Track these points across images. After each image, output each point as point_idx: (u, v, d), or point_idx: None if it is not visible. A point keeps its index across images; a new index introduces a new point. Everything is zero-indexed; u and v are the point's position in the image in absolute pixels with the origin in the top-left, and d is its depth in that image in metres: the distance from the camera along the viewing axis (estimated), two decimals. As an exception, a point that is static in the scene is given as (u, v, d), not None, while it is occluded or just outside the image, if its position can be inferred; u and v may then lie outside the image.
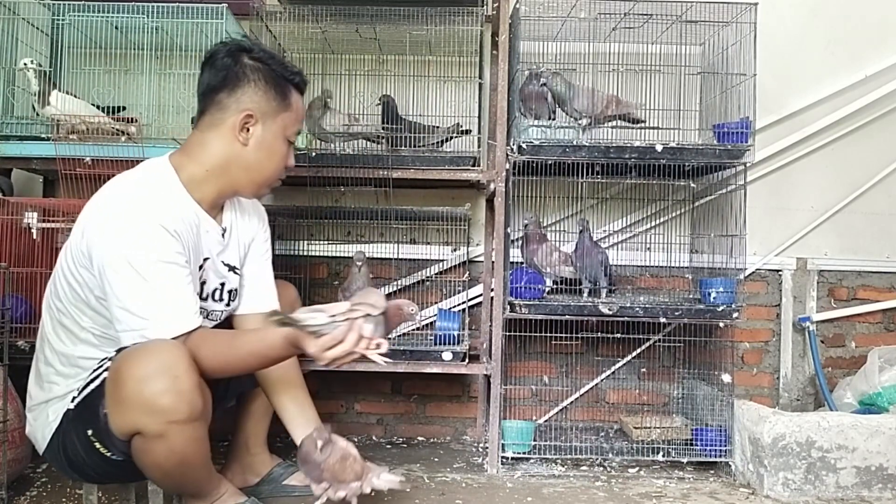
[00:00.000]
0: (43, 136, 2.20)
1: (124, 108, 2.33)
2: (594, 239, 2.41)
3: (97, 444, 1.51)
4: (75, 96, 2.23)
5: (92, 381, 1.55)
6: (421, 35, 2.45)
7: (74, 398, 1.56)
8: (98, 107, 2.25)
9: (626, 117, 2.42)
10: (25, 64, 2.14)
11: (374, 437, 2.70)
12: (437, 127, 2.49)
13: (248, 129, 1.60)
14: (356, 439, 2.66)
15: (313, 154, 2.31)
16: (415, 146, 2.39)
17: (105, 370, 1.50)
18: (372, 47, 2.59)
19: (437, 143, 2.45)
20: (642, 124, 2.44)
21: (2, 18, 2.27)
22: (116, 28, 2.34)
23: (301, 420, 1.75)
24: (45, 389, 1.61)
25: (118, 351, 1.50)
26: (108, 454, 1.51)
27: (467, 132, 2.48)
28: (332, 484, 1.62)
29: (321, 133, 2.40)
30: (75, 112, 2.17)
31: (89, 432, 1.51)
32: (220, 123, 1.59)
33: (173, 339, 1.46)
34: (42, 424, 1.60)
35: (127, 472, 1.55)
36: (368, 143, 2.51)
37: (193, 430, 1.44)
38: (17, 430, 1.95)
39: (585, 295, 2.34)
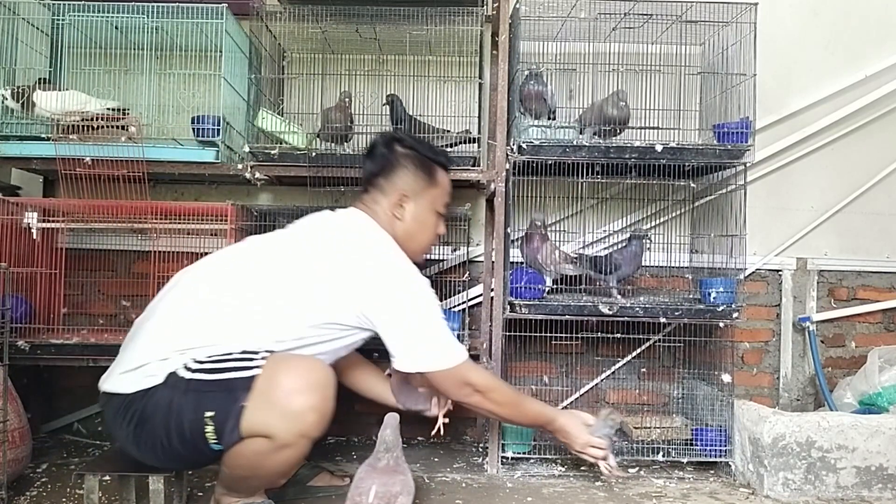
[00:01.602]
0: (43, 136, 2.21)
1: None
2: (643, 248, 2.40)
3: (208, 427, 1.52)
4: (62, 90, 2.23)
5: (236, 369, 1.56)
6: (421, 35, 2.44)
7: (193, 369, 1.56)
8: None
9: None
10: (3, 96, 2.15)
11: (374, 438, 2.68)
12: (448, 131, 2.49)
13: (402, 206, 1.88)
14: (356, 439, 2.67)
15: (313, 154, 2.30)
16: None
17: (256, 367, 1.55)
18: (372, 47, 2.59)
19: (445, 146, 2.43)
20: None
21: (2, 18, 2.27)
22: (116, 28, 2.34)
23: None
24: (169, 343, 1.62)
25: (269, 352, 1.61)
26: (213, 439, 1.53)
27: (475, 140, 2.47)
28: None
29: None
30: (65, 105, 2.17)
31: (208, 414, 1.52)
32: (382, 203, 1.89)
33: (459, 364, 1.75)
34: (141, 375, 1.59)
35: (188, 461, 1.66)
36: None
37: (308, 446, 1.58)
38: (17, 430, 1.95)
39: (586, 294, 2.34)
